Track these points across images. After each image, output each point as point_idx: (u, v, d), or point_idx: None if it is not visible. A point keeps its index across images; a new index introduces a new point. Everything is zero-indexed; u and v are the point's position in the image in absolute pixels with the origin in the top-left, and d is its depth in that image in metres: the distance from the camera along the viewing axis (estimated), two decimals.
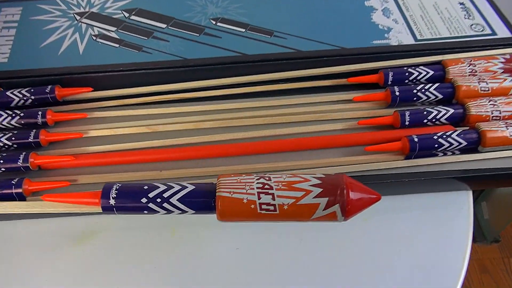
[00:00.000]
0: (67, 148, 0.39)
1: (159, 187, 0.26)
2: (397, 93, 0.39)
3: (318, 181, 0.25)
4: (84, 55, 0.43)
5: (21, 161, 0.36)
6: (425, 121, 0.38)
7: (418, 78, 0.41)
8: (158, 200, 0.26)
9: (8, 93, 0.40)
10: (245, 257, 0.36)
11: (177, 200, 0.26)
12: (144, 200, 0.26)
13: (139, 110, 0.41)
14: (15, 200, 0.35)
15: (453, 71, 0.40)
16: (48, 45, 0.44)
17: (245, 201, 0.24)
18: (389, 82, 0.41)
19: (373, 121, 0.39)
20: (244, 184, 0.25)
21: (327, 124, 0.39)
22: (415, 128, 0.38)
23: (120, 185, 0.27)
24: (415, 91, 0.39)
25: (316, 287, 0.34)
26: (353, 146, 0.38)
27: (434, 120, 0.38)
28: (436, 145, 0.36)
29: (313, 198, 0.25)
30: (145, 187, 0.26)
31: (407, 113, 0.38)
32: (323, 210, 0.25)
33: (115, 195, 0.26)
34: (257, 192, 0.25)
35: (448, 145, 0.36)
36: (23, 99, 0.40)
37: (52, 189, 0.36)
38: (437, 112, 0.38)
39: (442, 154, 0.37)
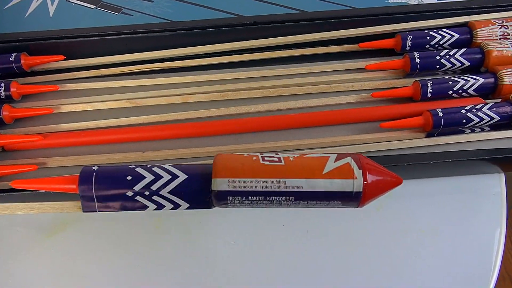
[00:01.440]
0: (35, 126, 0.34)
1: (145, 177, 0.22)
2: (418, 60, 0.34)
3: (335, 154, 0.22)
4: (54, 18, 0.38)
5: None
6: (450, 92, 0.33)
7: (441, 42, 0.36)
8: (146, 193, 0.22)
9: None
10: (242, 252, 0.31)
11: (168, 192, 0.22)
12: (129, 193, 0.22)
13: (119, 82, 0.36)
14: None
15: (481, 34, 0.35)
16: (13, 7, 0.38)
17: (246, 154, 0.22)
18: (407, 48, 0.36)
19: (389, 93, 0.34)
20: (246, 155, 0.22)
21: (336, 97, 0.34)
22: (438, 101, 0.33)
23: (99, 168, 0.22)
24: (438, 57, 0.34)
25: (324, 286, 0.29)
26: (366, 122, 0.33)
27: (460, 91, 0.33)
28: (464, 121, 0.31)
29: (322, 153, 0.22)
30: (129, 178, 0.22)
31: (429, 83, 0.33)
32: (334, 162, 0.21)
33: (95, 182, 0.22)
34: (261, 156, 0.22)
35: (478, 120, 0.31)
36: None
37: (17, 174, 0.31)
38: (464, 81, 0.33)
39: (470, 131, 0.32)
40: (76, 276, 0.31)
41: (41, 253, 0.32)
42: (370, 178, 0.21)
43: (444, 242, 0.30)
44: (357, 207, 0.22)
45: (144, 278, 0.31)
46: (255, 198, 0.21)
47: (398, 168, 0.31)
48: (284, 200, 0.21)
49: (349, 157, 0.22)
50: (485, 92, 0.33)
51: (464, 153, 0.31)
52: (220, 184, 0.21)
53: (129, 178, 0.21)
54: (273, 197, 0.21)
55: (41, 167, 0.31)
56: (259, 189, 0.21)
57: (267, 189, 0.21)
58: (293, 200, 0.21)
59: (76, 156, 0.32)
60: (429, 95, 0.33)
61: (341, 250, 0.31)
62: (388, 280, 0.30)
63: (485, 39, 0.35)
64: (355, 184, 0.21)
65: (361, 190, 0.21)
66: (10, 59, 0.35)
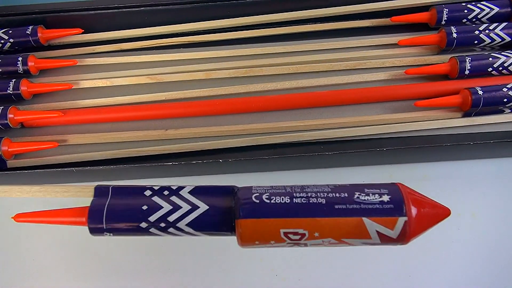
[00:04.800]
0: (55, 101, 0.33)
1: (162, 207, 0.19)
2: (455, 35, 0.32)
3: (370, 244, 0.18)
4: None
5: None
6: (490, 69, 0.31)
7: (479, 16, 0.33)
8: (162, 225, 0.19)
9: None
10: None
11: (186, 225, 0.19)
12: (144, 225, 0.19)
13: (139, 57, 0.34)
14: None
15: None
16: None
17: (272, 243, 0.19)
18: (443, 22, 0.34)
19: (424, 70, 0.32)
20: (273, 248, 0.19)
21: (367, 74, 0.33)
22: (476, 78, 0.31)
23: (111, 205, 0.19)
24: (476, 32, 0.32)
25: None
26: (399, 101, 0.32)
27: (501, 68, 0.31)
28: (505, 100, 0.29)
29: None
30: (144, 207, 0.19)
31: (467, 60, 0.31)
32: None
33: (106, 217, 0.19)
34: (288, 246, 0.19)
35: None
36: (0, 42, 0.33)
37: (37, 151, 0.30)
38: (505, 58, 0.31)
39: (510, 110, 0.30)
40: (93, 256, 0.31)
41: (60, 233, 0.31)
42: (414, 214, 0.18)
43: (482, 227, 0.29)
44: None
45: (164, 261, 0.30)
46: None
47: (432, 149, 0.29)
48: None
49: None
50: None
51: (504, 134, 0.30)
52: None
53: (144, 207, 0.19)
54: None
55: (62, 144, 0.30)
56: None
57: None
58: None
59: (97, 133, 0.31)
60: (467, 72, 0.31)
61: None
62: (424, 264, 0.29)
63: None
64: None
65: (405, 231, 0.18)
66: (27, 32, 0.33)
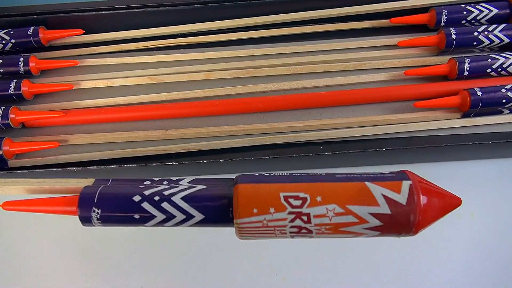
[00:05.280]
0: (55, 102, 0.33)
1: (155, 217, 0.18)
2: (454, 36, 0.32)
3: (379, 223, 0.17)
4: None
5: None
6: (489, 70, 0.31)
7: (478, 18, 0.34)
8: (156, 198, 0.18)
9: None
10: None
11: (180, 198, 0.18)
12: (137, 198, 0.18)
13: (140, 57, 0.34)
14: None
15: None
16: None
17: (273, 239, 0.19)
18: (442, 23, 0.34)
19: (423, 71, 0.32)
20: (273, 229, 0.18)
21: (367, 75, 0.33)
22: (475, 79, 0.31)
23: (100, 210, 0.18)
24: (475, 33, 0.32)
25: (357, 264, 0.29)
26: (399, 101, 0.32)
27: (499, 69, 0.31)
28: (504, 100, 0.29)
29: (364, 235, 0.18)
30: (136, 216, 0.18)
31: (466, 61, 0.31)
32: (375, 236, 0.18)
33: (97, 203, 0.18)
34: (291, 235, 0.18)
35: None
36: (2, 43, 0.34)
37: (38, 151, 0.30)
38: (504, 59, 0.31)
39: (509, 111, 0.30)
40: (94, 255, 0.31)
41: (61, 233, 0.31)
42: (423, 203, 0.17)
43: (481, 227, 0.29)
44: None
45: (165, 260, 0.30)
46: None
47: (432, 150, 0.29)
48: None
49: (396, 234, 0.18)
50: None
51: (503, 134, 0.30)
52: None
53: (136, 216, 0.18)
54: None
55: (63, 144, 0.30)
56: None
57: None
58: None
59: (98, 133, 0.31)
60: (466, 73, 0.31)
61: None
62: (423, 264, 0.29)
63: None
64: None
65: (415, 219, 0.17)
66: (28, 32, 0.34)
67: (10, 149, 0.29)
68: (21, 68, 0.32)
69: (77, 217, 0.18)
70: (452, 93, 0.31)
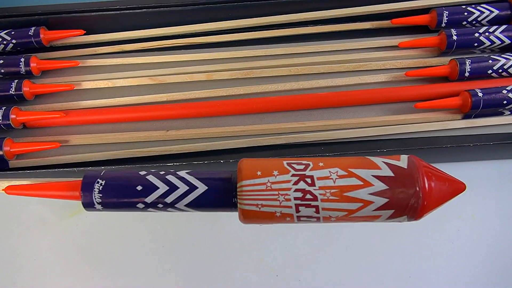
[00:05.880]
0: (56, 102, 0.33)
1: (158, 188, 0.18)
2: (455, 38, 0.32)
3: (384, 186, 0.17)
4: None
5: (0, 118, 0.30)
6: (490, 71, 0.31)
7: (479, 19, 0.34)
8: (160, 206, 0.18)
9: None
10: (269, 234, 0.30)
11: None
12: (140, 206, 0.18)
13: (141, 58, 0.35)
14: None
15: None
16: None
17: (278, 214, 0.17)
18: (443, 24, 0.34)
19: (424, 72, 0.32)
20: (276, 192, 0.17)
21: (368, 76, 0.33)
22: (476, 80, 0.31)
23: (104, 180, 0.18)
24: (476, 34, 0.32)
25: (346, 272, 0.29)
26: (399, 102, 0.32)
27: (500, 70, 0.31)
28: (504, 102, 0.29)
29: (374, 210, 0.17)
30: (139, 188, 0.18)
31: (467, 62, 0.31)
32: (385, 220, 0.18)
33: (100, 190, 0.18)
34: (295, 204, 0.17)
35: None
36: (3, 43, 0.34)
37: (39, 151, 0.31)
38: (505, 60, 0.31)
39: (510, 112, 0.31)
40: (94, 256, 0.31)
41: (62, 233, 0.32)
42: (428, 202, 0.17)
43: (482, 228, 0.29)
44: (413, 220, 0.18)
45: (165, 261, 0.30)
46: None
47: (432, 151, 0.29)
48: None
49: (405, 217, 0.17)
50: None
51: (503, 135, 0.30)
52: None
53: (139, 188, 0.18)
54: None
55: (64, 145, 0.30)
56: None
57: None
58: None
59: (99, 134, 0.31)
60: (467, 74, 0.31)
61: (377, 236, 0.30)
62: (424, 265, 0.29)
63: None
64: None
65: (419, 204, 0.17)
66: (29, 33, 0.34)
67: (11, 150, 0.30)
68: (22, 69, 0.32)
69: (79, 201, 0.18)
70: (453, 94, 0.31)
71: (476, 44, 0.32)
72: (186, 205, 0.18)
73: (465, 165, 0.31)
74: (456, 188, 0.18)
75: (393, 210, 0.17)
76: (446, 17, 0.34)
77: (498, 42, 0.32)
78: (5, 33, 0.34)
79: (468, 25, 0.34)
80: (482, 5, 0.34)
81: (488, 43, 0.32)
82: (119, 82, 0.33)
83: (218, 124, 0.31)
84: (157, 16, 0.35)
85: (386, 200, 0.17)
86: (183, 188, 0.18)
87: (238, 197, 0.17)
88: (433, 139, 0.30)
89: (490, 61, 0.31)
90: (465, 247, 0.29)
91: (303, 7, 0.35)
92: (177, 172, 0.19)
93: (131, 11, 0.34)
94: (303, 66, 0.33)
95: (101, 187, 0.18)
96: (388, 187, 0.17)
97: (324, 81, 0.32)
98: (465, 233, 0.29)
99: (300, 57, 0.34)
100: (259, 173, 0.17)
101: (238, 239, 0.31)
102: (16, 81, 0.32)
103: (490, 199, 0.30)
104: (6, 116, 0.30)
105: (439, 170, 0.18)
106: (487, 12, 0.33)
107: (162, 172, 0.19)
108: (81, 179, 0.19)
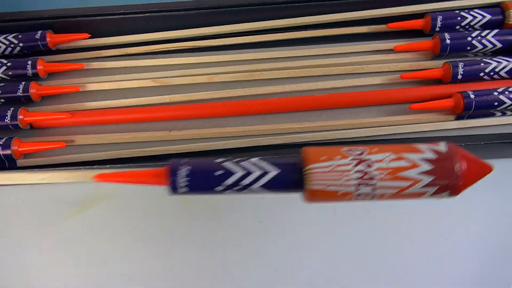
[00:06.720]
0: (62, 103, 0.34)
1: (235, 173, 0.21)
2: (448, 41, 0.33)
3: (429, 166, 0.20)
4: None
5: (9, 118, 0.31)
6: (482, 74, 0.32)
7: (472, 23, 0.35)
8: (237, 187, 0.21)
9: None
10: (268, 230, 0.31)
11: (260, 187, 0.21)
12: (219, 188, 0.21)
13: (144, 61, 0.35)
14: (3, 163, 0.30)
15: None
16: None
17: (339, 193, 0.20)
18: (437, 29, 0.35)
19: (418, 75, 0.33)
20: (340, 173, 0.20)
21: (364, 78, 0.34)
22: (469, 83, 0.32)
23: (189, 168, 0.21)
24: (469, 38, 0.33)
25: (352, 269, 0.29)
26: (394, 104, 0.33)
27: (492, 73, 0.32)
28: (496, 103, 0.30)
29: (421, 188, 0.20)
30: (219, 173, 0.21)
31: (460, 65, 0.32)
32: (428, 196, 0.21)
33: (185, 181, 0.21)
34: (355, 184, 0.20)
35: (510, 103, 0.30)
36: (10, 46, 0.34)
37: (46, 151, 0.31)
38: (496, 63, 0.32)
39: (501, 114, 0.32)
40: (101, 253, 0.32)
41: (69, 229, 0.32)
42: (466, 179, 0.20)
43: (473, 225, 0.30)
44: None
45: (172, 256, 0.31)
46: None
47: None
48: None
49: (447, 192, 0.20)
50: None
51: (494, 136, 0.31)
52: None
53: (219, 172, 0.21)
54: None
55: (69, 145, 0.31)
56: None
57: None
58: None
59: (103, 134, 0.32)
60: (459, 77, 0.32)
61: (371, 232, 0.31)
62: (417, 261, 0.30)
63: None
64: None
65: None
66: (36, 36, 0.35)
67: (19, 149, 0.30)
68: (29, 71, 0.33)
69: (164, 185, 0.21)
70: (446, 96, 0.32)
71: (469, 48, 0.34)
72: (261, 186, 0.21)
73: None
74: (486, 168, 0.20)
75: (437, 187, 0.20)
76: (440, 21, 0.35)
77: (490, 45, 0.33)
78: (12, 37, 0.34)
79: (461, 29, 0.35)
80: (475, 10, 0.35)
81: (480, 46, 0.33)
82: (123, 84, 0.34)
83: (219, 124, 0.32)
84: (160, 20, 0.36)
85: (431, 178, 0.20)
86: (257, 172, 0.21)
87: (306, 178, 0.20)
88: (427, 139, 0.31)
89: (482, 64, 0.32)
90: (457, 243, 0.30)
91: (302, 12, 0.36)
92: (249, 159, 0.21)
93: (134, 15, 0.35)
94: (302, 68, 0.34)
95: (187, 172, 0.21)
96: (433, 167, 0.20)
97: (322, 83, 0.33)
98: (457, 230, 0.30)
99: (299, 60, 0.35)
100: (323, 157, 0.20)
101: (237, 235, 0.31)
102: (23, 83, 0.33)
103: (480, 196, 0.31)
104: (14, 116, 0.31)
105: (472, 154, 0.20)
106: (479, 17, 0.34)
107: (236, 160, 0.21)
108: (166, 167, 0.21)
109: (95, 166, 0.30)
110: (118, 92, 0.34)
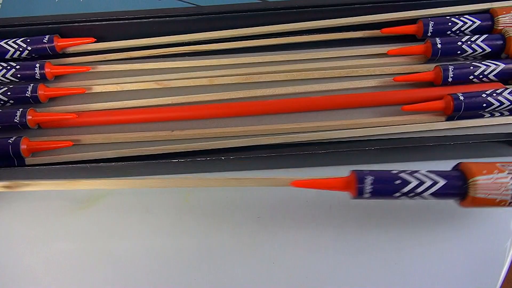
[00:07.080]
0: (69, 104, 0.35)
1: (411, 182, 0.25)
2: (439, 46, 0.35)
3: None
4: (86, 1, 0.38)
5: (18, 118, 0.32)
6: (471, 77, 0.33)
7: (462, 29, 0.36)
8: (411, 194, 0.25)
9: (2, 43, 0.36)
10: (267, 226, 0.32)
11: (429, 194, 0.25)
12: (397, 194, 0.25)
13: (148, 64, 0.37)
14: (13, 161, 0.32)
15: (503, 20, 0.35)
16: None
17: (497, 201, 0.25)
18: (429, 34, 0.36)
19: (411, 77, 0.34)
20: (499, 185, 0.24)
21: (359, 81, 0.35)
22: (459, 85, 0.34)
23: (373, 177, 0.25)
24: (459, 43, 0.35)
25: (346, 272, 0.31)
26: (388, 106, 0.34)
27: (481, 76, 0.33)
28: (484, 105, 0.32)
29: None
30: (397, 182, 0.25)
31: (450, 68, 0.33)
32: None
33: (370, 188, 0.25)
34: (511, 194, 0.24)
35: (498, 104, 0.32)
36: (19, 50, 0.36)
37: (53, 149, 0.33)
38: (485, 67, 0.33)
39: (489, 115, 0.33)
40: (105, 248, 0.33)
41: (74, 225, 0.33)
42: None
43: (464, 222, 0.31)
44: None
45: (172, 253, 0.32)
46: None
47: (418, 149, 0.32)
48: None
49: None
50: (505, 78, 0.34)
51: (483, 136, 0.32)
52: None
53: (397, 182, 0.25)
54: None
55: (76, 144, 0.33)
56: None
57: None
58: None
59: (108, 133, 0.33)
60: (450, 79, 0.33)
61: (365, 225, 0.32)
62: (408, 253, 0.31)
63: (507, 26, 0.35)
64: None
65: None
66: (44, 40, 0.36)
67: (27, 147, 0.32)
68: (37, 73, 0.35)
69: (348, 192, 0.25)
70: (437, 98, 0.33)
71: (459, 52, 0.35)
72: (430, 194, 0.25)
73: (448, 163, 0.34)
74: None
75: None
76: (432, 27, 0.36)
77: (479, 50, 0.35)
78: (21, 41, 0.36)
79: (452, 34, 0.36)
80: (465, 16, 0.36)
81: (470, 51, 0.35)
82: (127, 86, 0.36)
83: (219, 125, 0.34)
84: (162, 25, 0.37)
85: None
86: (428, 182, 0.25)
87: (470, 188, 0.25)
88: (418, 139, 0.32)
89: (472, 68, 0.33)
90: (447, 237, 0.31)
91: (299, 17, 0.37)
92: (419, 171, 0.25)
93: (138, 20, 0.37)
94: (299, 72, 0.36)
95: (372, 180, 0.25)
96: None
97: (318, 86, 0.35)
98: (447, 223, 0.32)
99: (296, 63, 0.36)
100: (485, 171, 0.25)
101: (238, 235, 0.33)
102: (31, 84, 0.34)
103: None
104: (23, 116, 0.32)
105: None
106: (469, 23, 0.36)
107: (408, 171, 0.25)
108: (351, 177, 0.25)
109: (100, 164, 0.31)
110: (123, 94, 0.36)
